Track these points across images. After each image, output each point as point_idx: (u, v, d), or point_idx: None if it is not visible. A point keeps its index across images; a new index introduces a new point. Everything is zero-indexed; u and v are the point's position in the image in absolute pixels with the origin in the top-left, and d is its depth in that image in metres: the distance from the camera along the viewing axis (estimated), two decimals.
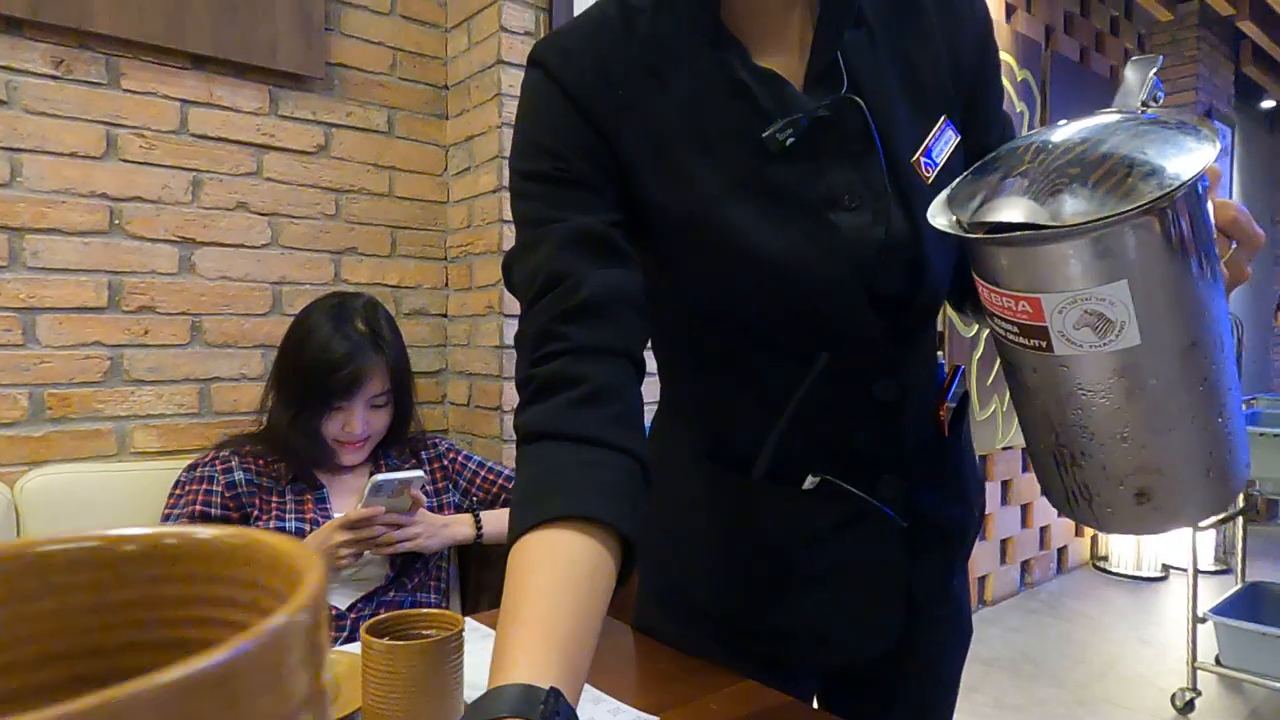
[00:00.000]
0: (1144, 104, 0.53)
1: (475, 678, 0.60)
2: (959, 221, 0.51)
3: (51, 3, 1.40)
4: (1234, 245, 0.53)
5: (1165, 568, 3.64)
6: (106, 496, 1.39)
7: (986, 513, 3.17)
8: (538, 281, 0.57)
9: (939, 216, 0.53)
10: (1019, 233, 0.46)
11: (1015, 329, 0.50)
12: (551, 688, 0.42)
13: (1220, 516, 2.71)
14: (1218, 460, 0.50)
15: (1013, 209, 0.48)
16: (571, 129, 0.60)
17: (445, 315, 1.93)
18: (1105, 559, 3.81)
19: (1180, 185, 0.44)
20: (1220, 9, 3.89)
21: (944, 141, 0.63)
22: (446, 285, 1.93)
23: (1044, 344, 0.49)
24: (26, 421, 1.42)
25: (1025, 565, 3.45)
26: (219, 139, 1.60)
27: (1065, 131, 0.52)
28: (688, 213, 0.60)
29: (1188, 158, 0.45)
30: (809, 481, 0.67)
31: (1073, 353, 0.48)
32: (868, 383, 0.65)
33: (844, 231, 0.59)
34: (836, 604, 0.71)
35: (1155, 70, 0.54)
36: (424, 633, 0.63)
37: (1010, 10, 3.29)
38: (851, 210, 0.60)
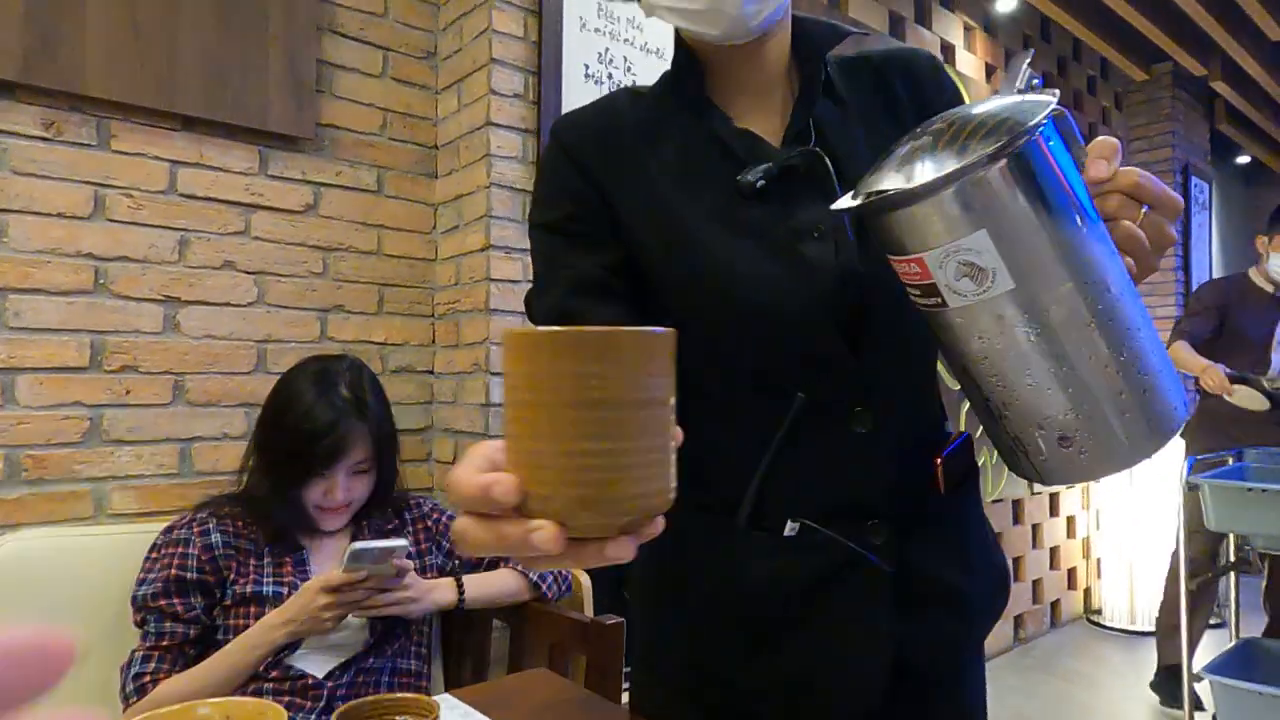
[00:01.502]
0: (1020, 92, 0.57)
1: None
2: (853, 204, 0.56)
3: (44, 66, 1.42)
4: (1145, 209, 0.54)
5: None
6: (82, 561, 1.35)
7: None
8: (550, 319, 0.69)
9: (842, 202, 0.57)
10: (879, 197, 0.52)
11: (919, 291, 0.55)
12: None
13: (1215, 571, 2.70)
14: (1131, 401, 0.53)
15: (883, 180, 0.54)
16: (576, 188, 0.71)
17: (432, 372, 1.93)
18: (1099, 612, 3.77)
19: (1007, 141, 0.49)
20: (1193, 69, 4.00)
21: None
22: (434, 342, 1.93)
23: (940, 300, 0.54)
24: (1, 484, 1.39)
25: (1018, 620, 3.40)
26: (207, 199, 1.61)
27: (944, 114, 0.57)
28: (669, 244, 0.68)
29: (1027, 119, 0.50)
30: (789, 528, 0.67)
31: (963, 304, 0.53)
32: (844, 415, 0.67)
33: (809, 258, 0.66)
34: (818, 657, 0.70)
35: (1028, 61, 0.59)
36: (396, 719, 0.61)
37: (990, 70, 3.38)
38: (817, 240, 0.67)
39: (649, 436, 0.37)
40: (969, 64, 3.22)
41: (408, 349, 1.89)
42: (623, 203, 0.70)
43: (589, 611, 1.53)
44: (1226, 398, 2.68)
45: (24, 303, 1.42)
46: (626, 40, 1.95)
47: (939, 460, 0.71)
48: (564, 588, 1.43)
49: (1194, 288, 3.23)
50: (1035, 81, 0.57)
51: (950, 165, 0.50)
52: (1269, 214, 2.87)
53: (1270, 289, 2.84)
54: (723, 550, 0.71)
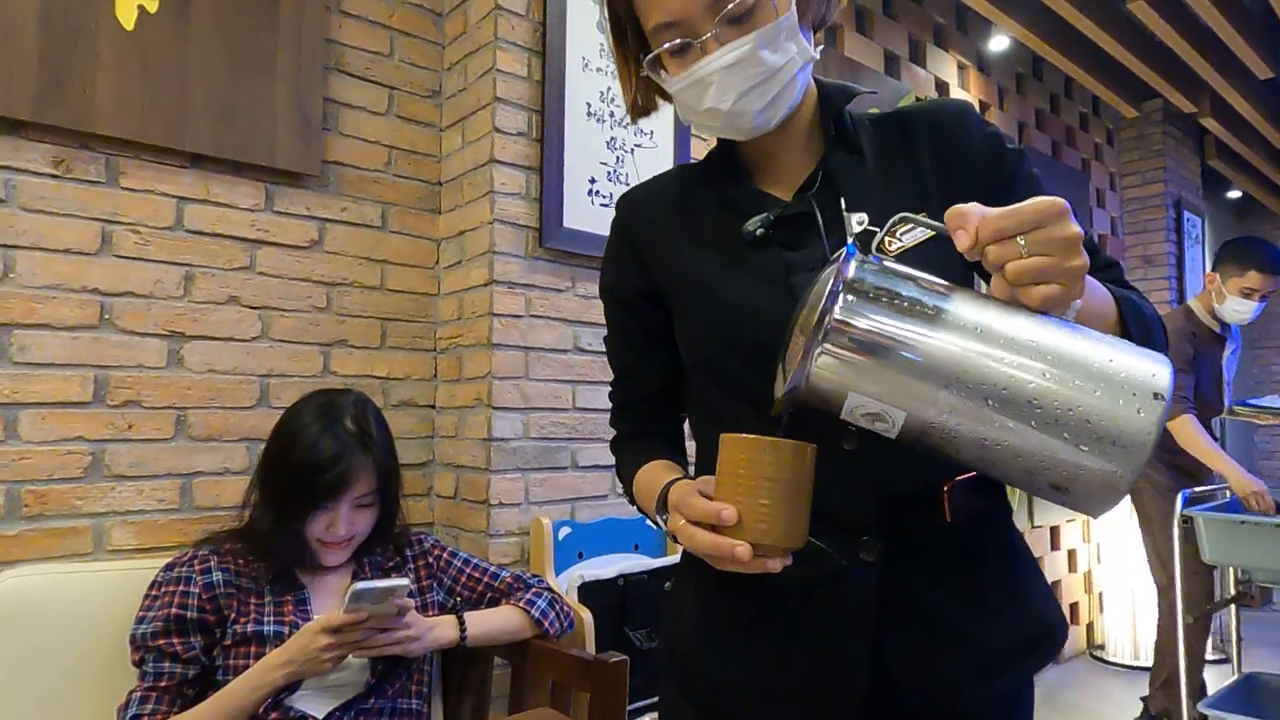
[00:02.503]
0: (852, 236, 0.62)
1: None
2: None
3: (55, 105, 1.44)
4: (1020, 241, 0.54)
5: None
6: (81, 598, 1.34)
7: None
8: (618, 375, 0.93)
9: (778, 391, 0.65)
10: (783, 398, 0.62)
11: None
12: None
13: (1210, 605, 2.69)
14: (1082, 435, 0.53)
15: (777, 386, 0.64)
16: (627, 260, 0.87)
17: (433, 406, 1.93)
18: (1102, 648, 3.75)
19: (811, 338, 0.56)
20: (1183, 106, 4.07)
21: (915, 230, 0.72)
22: (435, 376, 1.93)
23: (881, 436, 0.60)
24: (1, 520, 1.39)
25: None
26: (214, 234, 1.62)
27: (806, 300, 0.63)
28: (688, 294, 0.80)
29: (822, 309, 0.56)
30: None
31: (894, 434, 0.58)
32: (835, 433, 0.70)
33: (798, 290, 0.71)
34: (795, 664, 0.72)
35: (845, 209, 0.66)
36: None
37: (984, 107, 3.43)
38: (809, 273, 0.71)
39: (801, 504, 0.63)
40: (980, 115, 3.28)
41: (410, 383, 1.90)
42: (658, 267, 0.84)
43: (591, 649, 1.52)
44: (1263, 515, 2.41)
45: (29, 338, 1.42)
46: None
47: (945, 488, 0.72)
48: (566, 624, 1.43)
49: None
50: (857, 219, 0.62)
51: (794, 369, 0.59)
52: (1221, 247, 2.77)
53: (1216, 327, 2.75)
54: None
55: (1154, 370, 0.54)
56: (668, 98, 0.81)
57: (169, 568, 1.27)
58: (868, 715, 0.71)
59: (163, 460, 1.55)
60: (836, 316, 0.56)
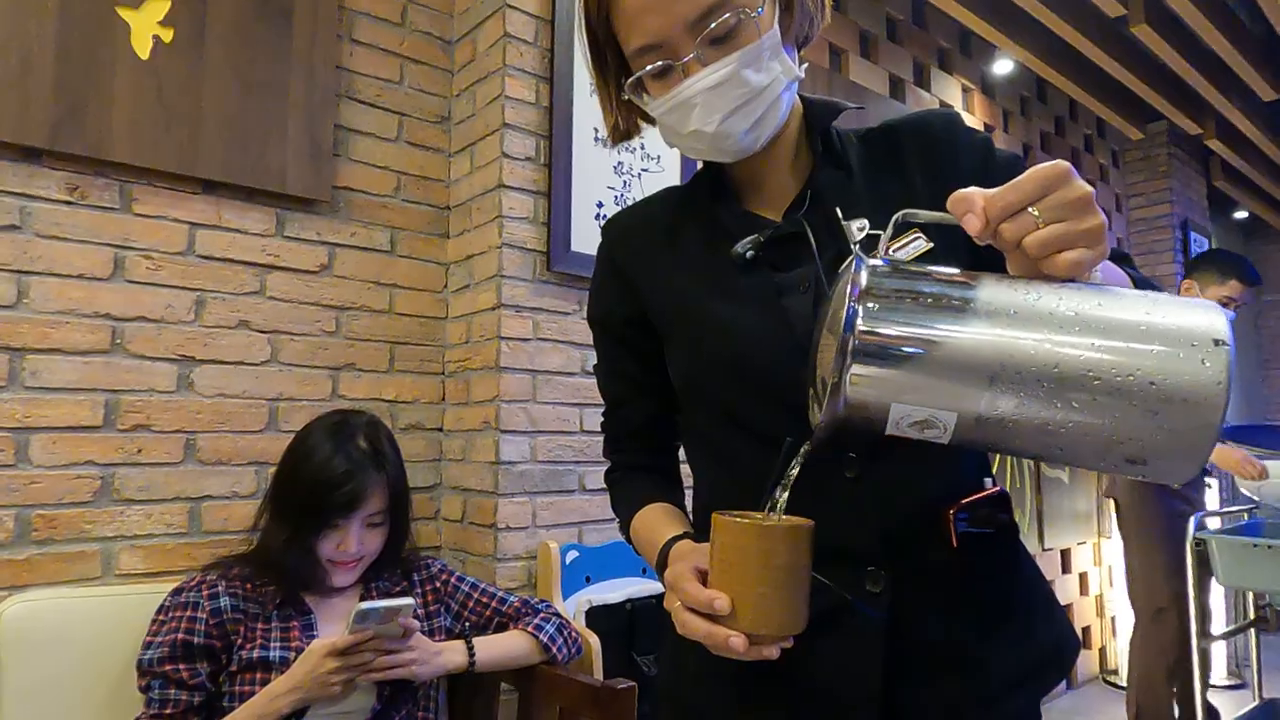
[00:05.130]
0: (854, 244, 0.59)
1: None
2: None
3: (71, 133, 1.46)
4: (1033, 212, 0.52)
5: None
6: (88, 622, 1.34)
7: None
8: (609, 406, 0.91)
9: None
10: (819, 429, 0.59)
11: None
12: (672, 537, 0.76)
13: (1230, 629, 2.65)
14: (1149, 399, 0.49)
15: (812, 414, 0.62)
16: (614, 287, 0.86)
17: (441, 430, 1.93)
18: (1115, 673, 3.69)
19: (837, 365, 0.53)
20: (1188, 128, 4.08)
21: (911, 246, 0.71)
22: (443, 400, 1.94)
23: (933, 442, 0.57)
24: (10, 544, 1.39)
25: None
26: (225, 260, 1.64)
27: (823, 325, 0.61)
28: (678, 321, 0.79)
29: (842, 328, 0.54)
30: None
31: (947, 439, 0.55)
32: (835, 461, 0.69)
33: (791, 313, 0.72)
34: (805, 707, 0.70)
35: (840, 215, 0.62)
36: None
37: (989, 130, 3.45)
38: (801, 294, 0.72)
39: (798, 588, 0.60)
40: (968, 124, 3.30)
41: (418, 406, 1.90)
42: (646, 293, 0.82)
43: (598, 674, 1.50)
44: (1258, 484, 2.51)
45: (41, 362, 1.43)
46: None
47: (950, 512, 0.70)
48: (574, 650, 1.42)
49: None
50: (858, 226, 0.59)
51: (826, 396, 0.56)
52: (1197, 258, 2.80)
53: None
54: None
55: (1208, 316, 0.50)
56: (650, 120, 0.79)
57: (176, 593, 1.27)
58: None
59: (172, 484, 1.55)
60: (861, 329, 0.53)
